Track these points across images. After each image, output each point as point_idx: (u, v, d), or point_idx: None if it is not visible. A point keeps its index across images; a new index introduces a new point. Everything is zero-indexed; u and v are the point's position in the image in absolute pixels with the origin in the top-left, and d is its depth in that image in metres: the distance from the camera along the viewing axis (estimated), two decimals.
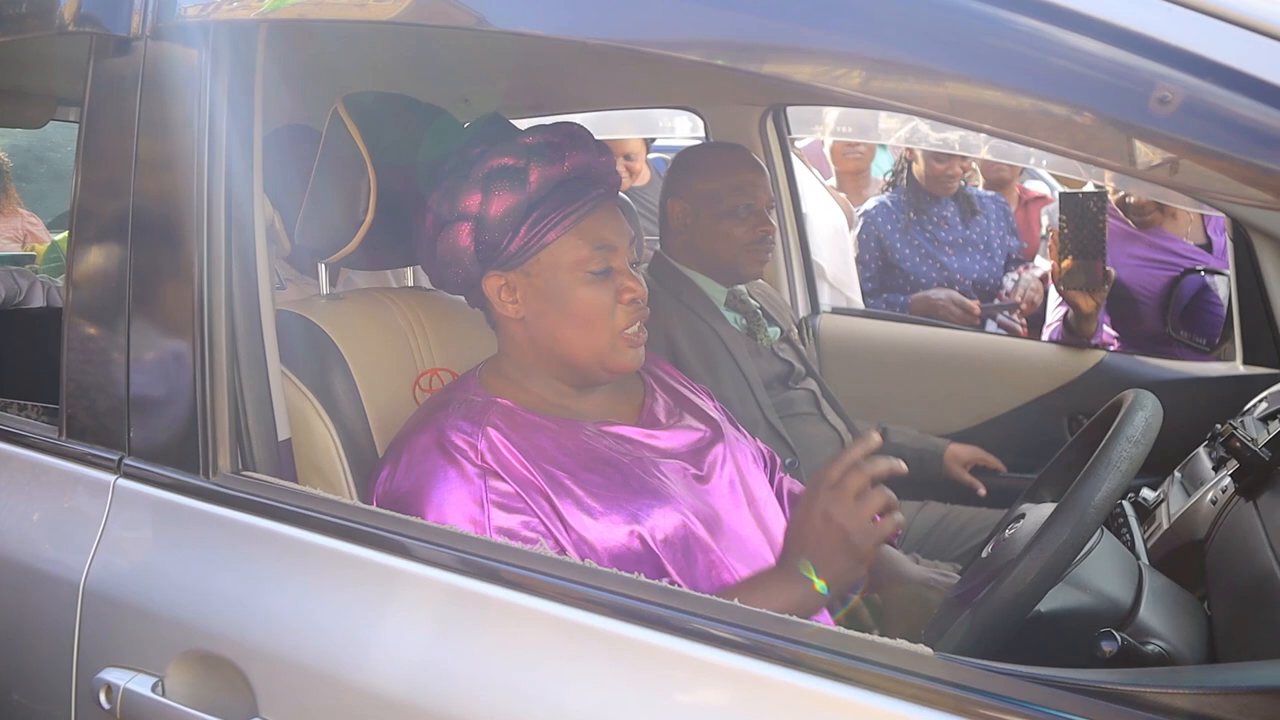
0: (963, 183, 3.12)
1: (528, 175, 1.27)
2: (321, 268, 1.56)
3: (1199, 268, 2.52)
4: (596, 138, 1.37)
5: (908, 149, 3.08)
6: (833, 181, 3.84)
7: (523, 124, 1.51)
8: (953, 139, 2.98)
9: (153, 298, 1.17)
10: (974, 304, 2.90)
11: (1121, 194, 2.68)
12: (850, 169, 3.80)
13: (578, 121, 1.39)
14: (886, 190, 3.20)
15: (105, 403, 1.20)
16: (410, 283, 1.73)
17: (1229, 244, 2.22)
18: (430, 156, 1.43)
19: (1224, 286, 2.36)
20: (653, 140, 4.01)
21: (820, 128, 3.38)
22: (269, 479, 1.12)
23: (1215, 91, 0.69)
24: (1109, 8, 0.72)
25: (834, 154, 3.82)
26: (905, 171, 3.12)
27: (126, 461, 1.17)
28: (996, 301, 3.03)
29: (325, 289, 1.56)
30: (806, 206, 3.17)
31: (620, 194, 1.40)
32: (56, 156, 4.59)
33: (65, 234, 3.27)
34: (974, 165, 3.51)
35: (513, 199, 1.27)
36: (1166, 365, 2.33)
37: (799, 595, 1.14)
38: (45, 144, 4.55)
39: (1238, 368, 2.23)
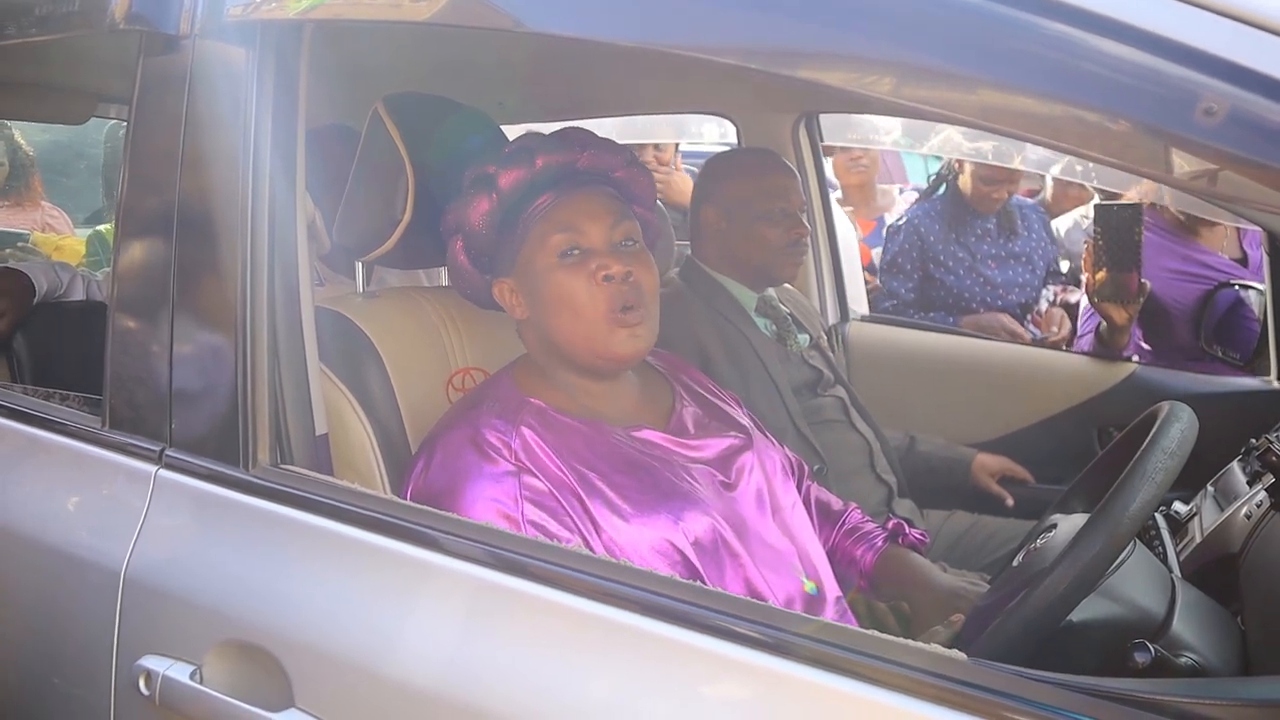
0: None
1: (497, 180, 1.32)
2: (358, 266, 1.58)
3: (1234, 281, 2.50)
4: (598, 135, 1.38)
5: (957, 161, 3.05)
6: (838, 195, 3.85)
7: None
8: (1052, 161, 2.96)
9: (196, 293, 1.19)
10: (1024, 333, 2.90)
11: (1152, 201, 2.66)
12: (855, 182, 3.80)
13: (604, 123, 1.41)
14: (925, 197, 3.18)
15: (148, 395, 1.22)
16: (444, 282, 1.74)
17: (1265, 258, 2.21)
18: (466, 156, 1.46)
19: (1259, 301, 2.34)
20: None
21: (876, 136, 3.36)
22: (307, 472, 1.14)
23: (1262, 103, 0.69)
24: (1156, 19, 0.73)
25: (837, 168, 3.81)
26: (951, 180, 3.09)
27: (168, 453, 1.19)
28: (1039, 332, 3.02)
29: (361, 287, 1.58)
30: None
31: (609, 182, 1.38)
32: (95, 152, 4.65)
33: (104, 228, 3.32)
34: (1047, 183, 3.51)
35: (488, 205, 1.33)
36: (1199, 379, 2.32)
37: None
38: (85, 140, 4.61)
39: (1272, 382, 2.21)
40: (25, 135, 3.81)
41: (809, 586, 1.35)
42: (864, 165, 3.74)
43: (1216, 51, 0.70)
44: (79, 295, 2.14)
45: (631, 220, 1.35)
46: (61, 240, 3.61)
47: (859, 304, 3.06)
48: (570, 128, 1.39)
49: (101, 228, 3.36)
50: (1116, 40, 0.74)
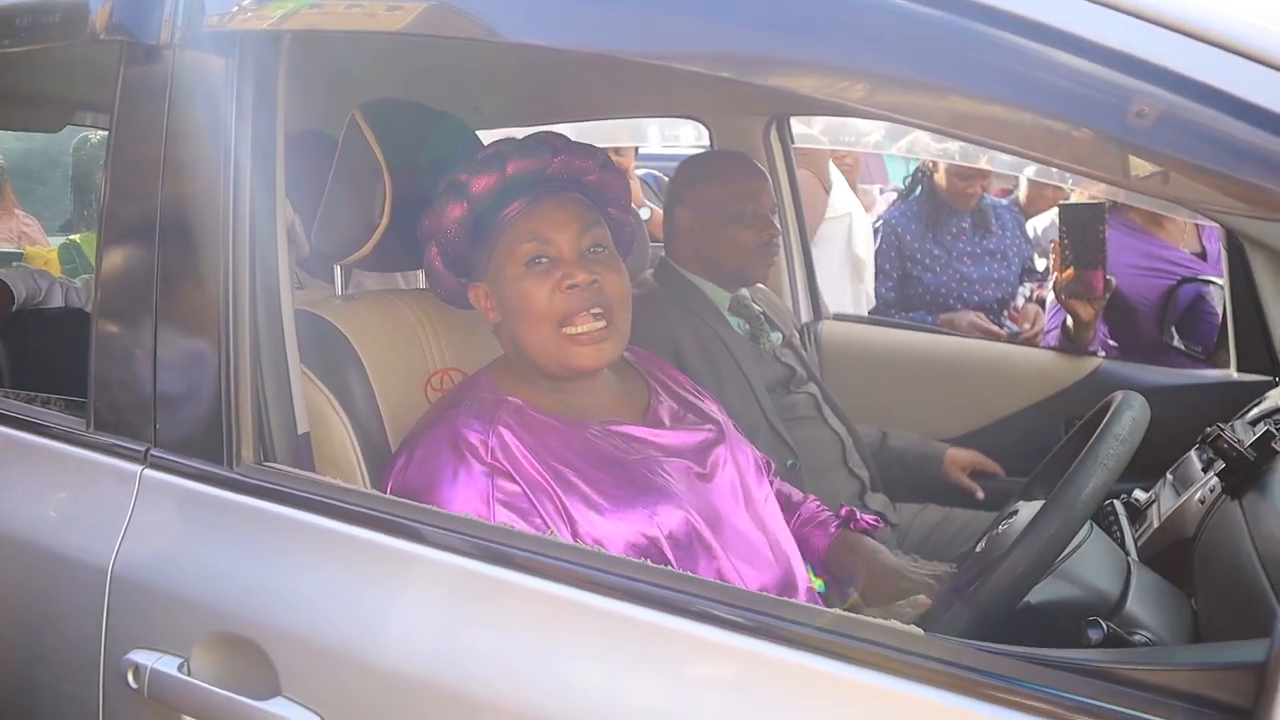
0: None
1: (469, 187, 1.34)
2: (337, 269, 1.60)
3: (1195, 276, 2.56)
4: (571, 140, 1.38)
5: (931, 161, 3.11)
6: None
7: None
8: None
9: (179, 297, 1.21)
10: (997, 331, 2.96)
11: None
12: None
13: (571, 127, 1.43)
14: (903, 198, 3.24)
15: (133, 397, 1.24)
16: (421, 284, 1.77)
17: (1223, 252, 2.26)
18: (442, 161, 1.48)
19: (1219, 295, 2.40)
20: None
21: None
22: (290, 469, 1.16)
23: (1190, 106, 0.73)
24: (1092, 27, 0.77)
25: None
26: (925, 180, 3.15)
27: (153, 453, 1.21)
28: (1015, 328, 3.08)
29: (340, 290, 1.61)
30: (850, 205, 3.26)
31: (581, 187, 1.39)
32: (68, 160, 4.64)
33: (76, 237, 3.31)
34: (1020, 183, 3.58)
35: (459, 210, 1.35)
36: (1162, 371, 2.37)
37: None
38: (59, 148, 4.60)
39: (1232, 374, 2.26)
40: None
41: (817, 584, 1.40)
42: (847, 164, 3.79)
43: (1147, 57, 0.75)
44: (57, 302, 2.16)
45: (601, 227, 1.37)
46: (49, 254, 3.59)
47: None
48: (543, 132, 1.40)
49: (74, 237, 3.35)
50: (1059, 48, 0.78)
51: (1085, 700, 0.76)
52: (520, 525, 1.21)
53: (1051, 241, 2.49)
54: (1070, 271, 2.33)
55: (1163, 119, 0.72)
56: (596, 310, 1.31)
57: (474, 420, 1.28)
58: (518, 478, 1.24)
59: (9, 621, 1.28)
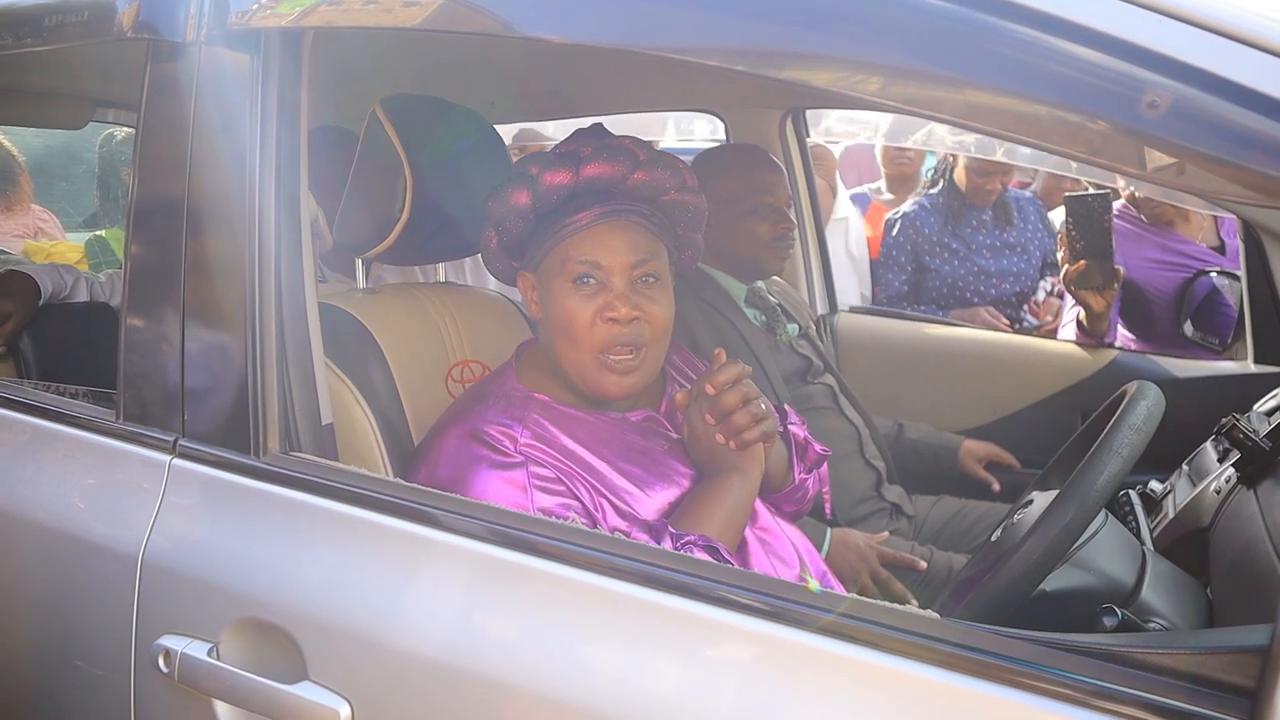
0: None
1: (540, 180, 1.32)
2: (358, 262, 1.62)
3: (1211, 269, 2.56)
4: (658, 151, 1.35)
5: (951, 156, 3.13)
6: (881, 184, 3.95)
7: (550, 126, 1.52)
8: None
9: (206, 290, 1.23)
10: (1005, 327, 2.97)
11: (1131, 189, 2.72)
12: (897, 174, 3.89)
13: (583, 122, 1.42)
14: (926, 191, 3.26)
15: (161, 388, 1.26)
16: (440, 278, 1.79)
17: (1241, 246, 2.26)
18: (461, 155, 1.50)
19: (1235, 288, 2.40)
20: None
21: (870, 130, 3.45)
22: (315, 459, 1.18)
23: (1201, 97, 0.74)
24: (1105, 19, 0.78)
25: (885, 158, 3.91)
26: (946, 175, 3.16)
27: (181, 443, 1.23)
28: (1034, 322, 3.08)
29: (362, 283, 1.63)
30: (848, 210, 3.39)
31: (656, 205, 1.36)
32: (89, 156, 4.68)
33: (102, 232, 3.34)
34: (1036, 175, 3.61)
35: (524, 199, 1.34)
36: (1179, 363, 2.37)
37: (734, 492, 1.30)
38: (79, 143, 4.64)
39: (1249, 366, 2.26)
40: (15, 139, 3.81)
41: (813, 585, 1.41)
42: (909, 158, 3.84)
43: (1159, 48, 0.75)
44: (82, 297, 2.18)
45: (659, 259, 1.34)
46: (53, 247, 3.60)
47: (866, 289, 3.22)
48: (630, 138, 1.36)
49: (100, 232, 3.37)
50: (1073, 40, 0.79)
51: (1098, 683, 0.77)
52: (559, 509, 1.22)
53: (1059, 234, 2.49)
54: (1080, 263, 2.34)
55: (1175, 109, 0.73)
56: (630, 345, 1.30)
57: (502, 415, 1.29)
58: (551, 466, 1.26)
59: (43, 608, 1.31)
